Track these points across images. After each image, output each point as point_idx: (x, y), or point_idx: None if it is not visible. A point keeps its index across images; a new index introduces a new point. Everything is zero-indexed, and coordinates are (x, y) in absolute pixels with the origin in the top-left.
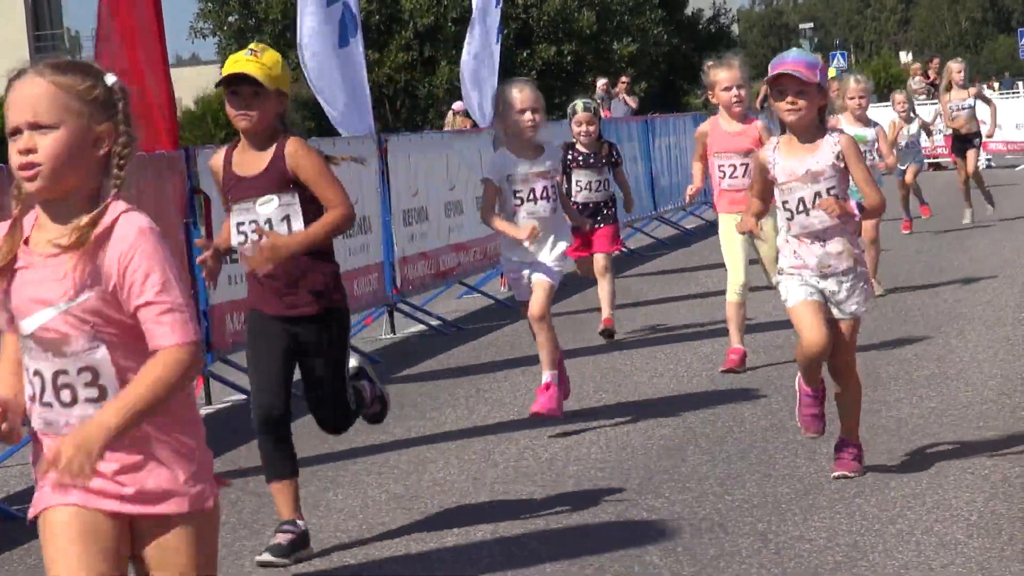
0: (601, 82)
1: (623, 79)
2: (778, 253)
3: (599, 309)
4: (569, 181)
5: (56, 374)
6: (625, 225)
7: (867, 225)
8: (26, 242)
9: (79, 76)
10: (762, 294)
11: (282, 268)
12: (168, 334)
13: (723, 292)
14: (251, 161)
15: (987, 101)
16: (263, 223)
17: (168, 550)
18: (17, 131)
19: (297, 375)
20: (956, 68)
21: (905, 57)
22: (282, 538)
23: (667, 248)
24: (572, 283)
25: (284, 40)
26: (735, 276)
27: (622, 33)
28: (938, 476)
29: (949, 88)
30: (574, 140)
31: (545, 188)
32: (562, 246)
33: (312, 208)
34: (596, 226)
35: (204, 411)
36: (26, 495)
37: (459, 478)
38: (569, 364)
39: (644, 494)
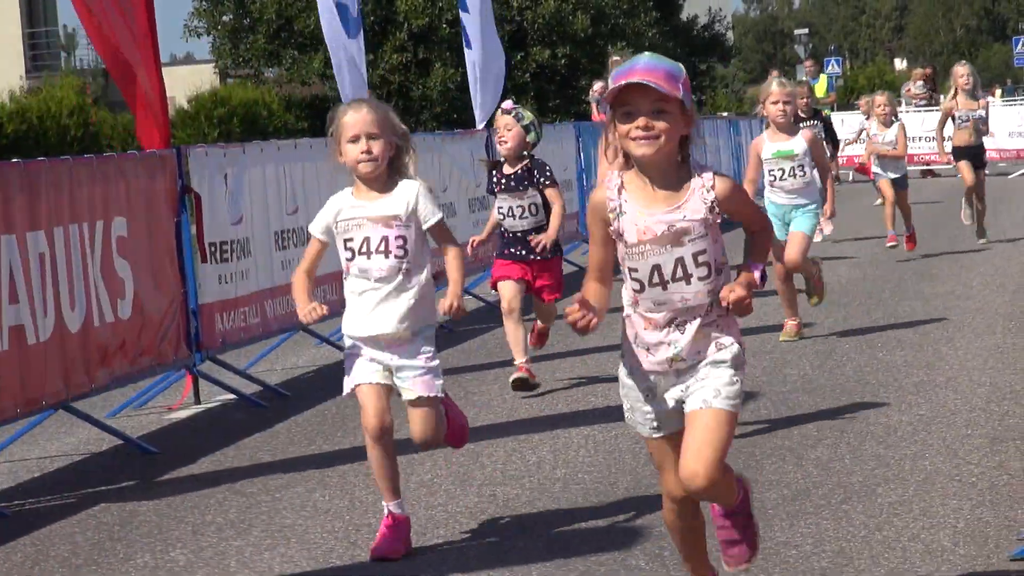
0: (597, 85)
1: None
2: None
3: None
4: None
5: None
6: None
7: (790, 253)
8: None
9: None
10: None
11: None
12: None
13: None
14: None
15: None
16: None
17: None
18: None
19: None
20: (961, 73)
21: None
22: None
23: None
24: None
25: (278, 40)
26: None
27: (616, 37)
28: (925, 483)
29: (955, 95)
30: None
31: (386, 240)
32: (426, 350)
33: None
34: (531, 259)
35: (193, 411)
36: (12, 493)
37: (446, 480)
38: (558, 366)
39: (631, 498)
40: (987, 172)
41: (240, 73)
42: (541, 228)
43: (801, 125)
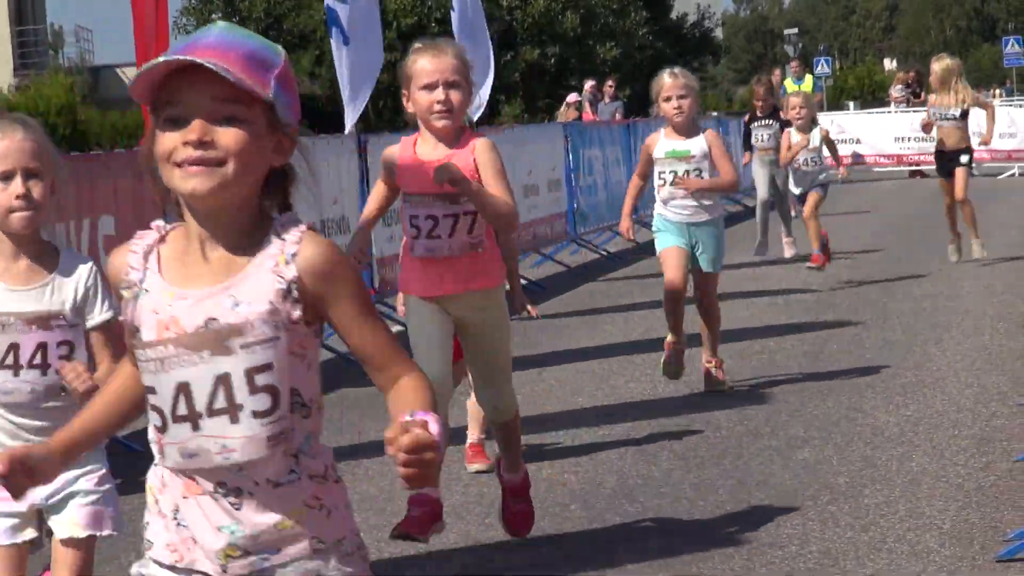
0: (588, 84)
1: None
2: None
3: (578, 313)
4: None
5: None
6: (605, 228)
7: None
8: None
9: None
10: (737, 301)
11: None
12: None
13: None
14: None
15: (984, 105)
16: None
17: None
18: None
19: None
20: (937, 67)
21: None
22: None
23: (647, 252)
24: (551, 288)
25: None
26: None
27: (606, 36)
28: (912, 484)
29: (932, 90)
30: None
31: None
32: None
33: None
34: None
35: None
36: None
37: None
38: (547, 368)
39: (617, 498)
40: (974, 171)
41: None
42: None
43: (754, 125)
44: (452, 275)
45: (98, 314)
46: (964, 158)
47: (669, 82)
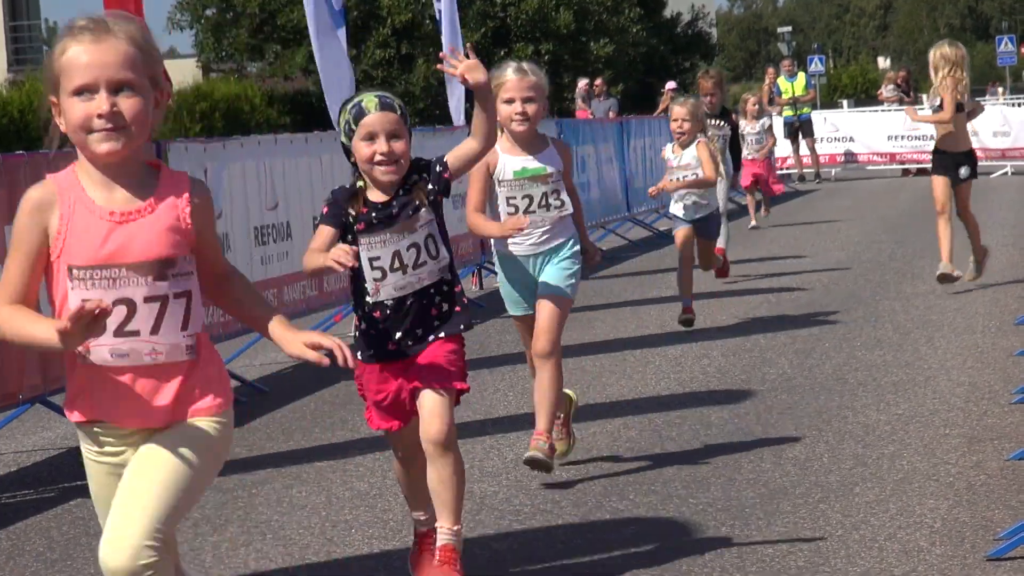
0: (582, 82)
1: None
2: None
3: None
4: None
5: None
6: (597, 227)
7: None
8: None
9: None
10: (729, 299)
11: None
12: None
13: (695, 294)
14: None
15: (943, 101)
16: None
17: None
18: None
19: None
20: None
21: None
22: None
23: (639, 250)
24: None
25: (261, 34)
26: None
27: (600, 33)
28: (903, 483)
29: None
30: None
31: None
32: None
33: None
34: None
35: None
36: None
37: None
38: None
39: (608, 495)
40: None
41: (223, 67)
42: None
43: (709, 126)
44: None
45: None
46: (964, 171)
47: (514, 79)
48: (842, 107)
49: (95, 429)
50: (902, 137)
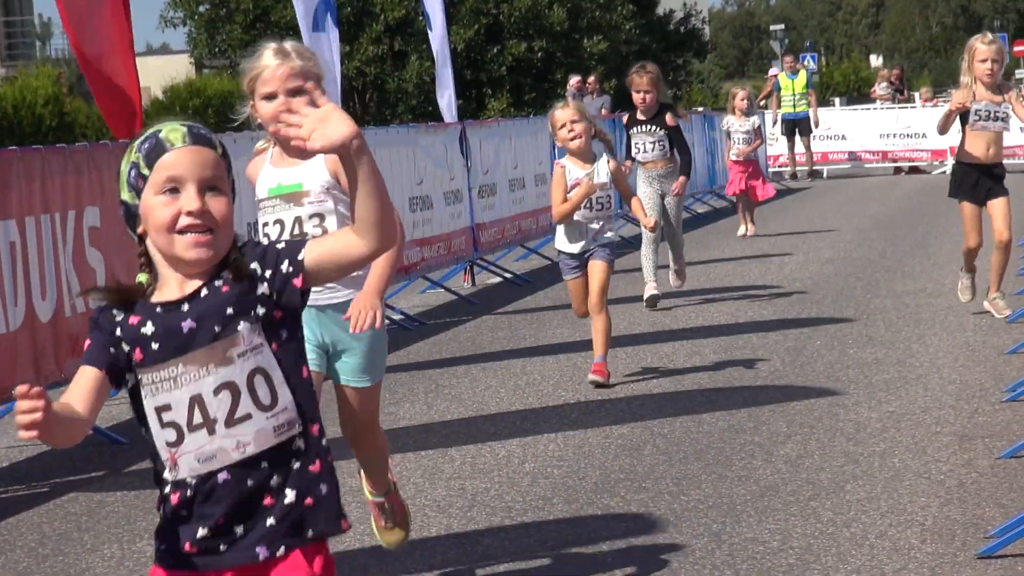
0: (574, 79)
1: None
2: None
3: (562, 307)
4: None
5: None
6: None
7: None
8: None
9: None
10: (720, 297)
11: None
12: None
13: (687, 291)
14: None
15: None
16: None
17: None
18: None
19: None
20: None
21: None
22: None
23: (631, 247)
24: (536, 282)
25: (255, 30)
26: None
27: (592, 30)
28: (894, 481)
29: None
30: None
31: None
32: None
33: None
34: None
35: None
36: None
37: (415, 473)
38: (531, 361)
39: (600, 493)
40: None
41: (216, 64)
42: None
43: (634, 130)
44: None
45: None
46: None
47: (275, 64)
48: (834, 105)
49: None
50: (894, 135)
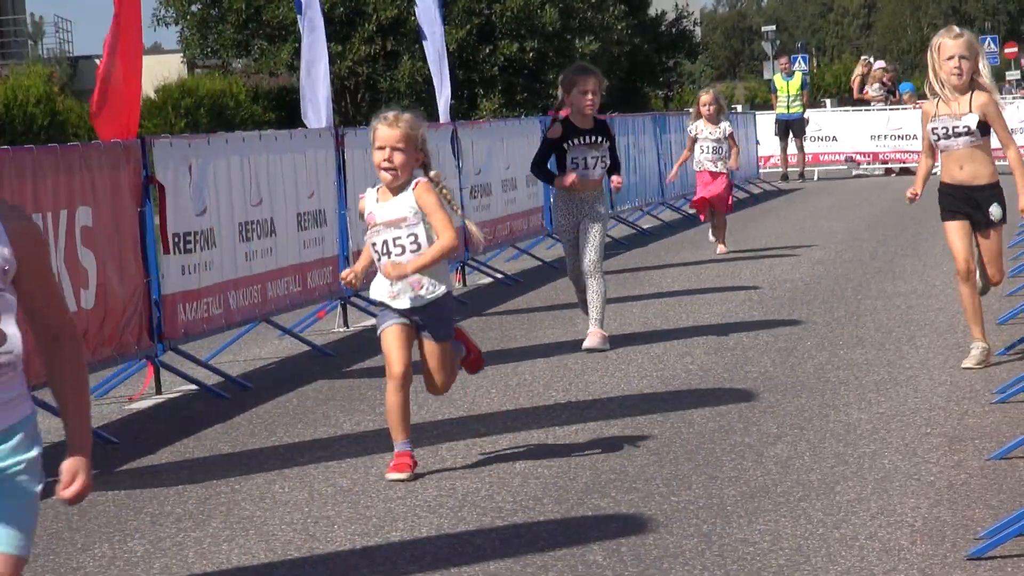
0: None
1: None
2: None
3: (553, 307)
4: None
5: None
6: None
7: None
8: None
9: None
10: (711, 297)
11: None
12: None
13: (678, 292)
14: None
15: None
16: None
17: None
18: None
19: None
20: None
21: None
22: None
23: (624, 247)
24: (527, 282)
25: (247, 30)
26: None
27: (585, 31)
28: (884, 482)
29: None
30: None
31: None
32: None
33: None
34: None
35: (154, 401)
36: None
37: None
38: (522, 362)
39: (590, 493)
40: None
41: (208, 63)
42: None
43: (568, 143)
44: None
45: None
46: (995, 211)
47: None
48: (825, 106)
49: None
50: (885, 136)
